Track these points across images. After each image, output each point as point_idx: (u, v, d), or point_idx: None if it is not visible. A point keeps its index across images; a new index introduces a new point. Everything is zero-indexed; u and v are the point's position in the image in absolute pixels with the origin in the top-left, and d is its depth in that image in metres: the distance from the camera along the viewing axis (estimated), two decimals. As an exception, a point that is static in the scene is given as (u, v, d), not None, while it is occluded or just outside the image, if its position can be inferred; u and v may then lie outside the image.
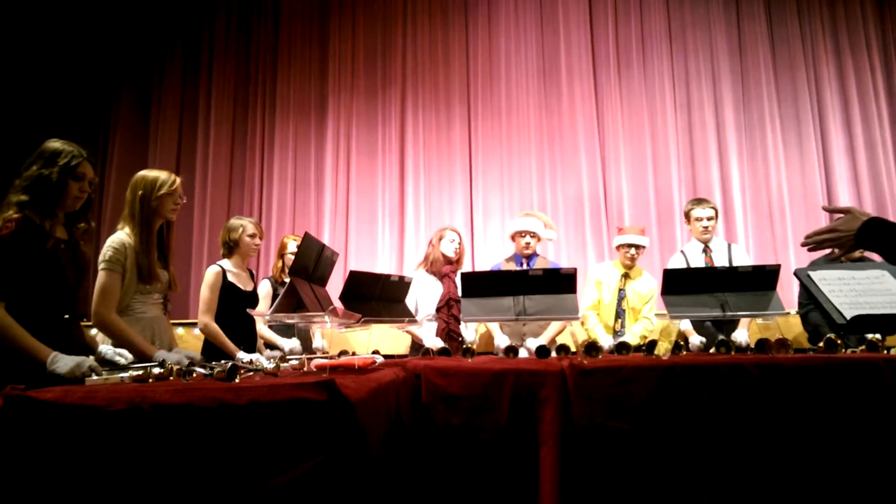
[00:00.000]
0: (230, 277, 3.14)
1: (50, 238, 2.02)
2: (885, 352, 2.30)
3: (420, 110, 5.72)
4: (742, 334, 3.44)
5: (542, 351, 2.36)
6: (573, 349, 2.52)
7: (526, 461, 1.98)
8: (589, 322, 3.79)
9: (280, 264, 3.90)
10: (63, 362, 1.79)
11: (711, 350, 2.47)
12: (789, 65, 5.31)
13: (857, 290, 1.94)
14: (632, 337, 3.65)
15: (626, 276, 3.84)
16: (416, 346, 3.76)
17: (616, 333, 3.75)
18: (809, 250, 1.87)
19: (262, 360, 2.50)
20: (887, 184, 4.97)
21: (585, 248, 5.23)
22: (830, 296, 1.90)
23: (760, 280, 2.49)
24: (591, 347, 2.25)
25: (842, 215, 1.76)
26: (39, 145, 2.10)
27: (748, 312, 2.48)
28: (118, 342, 2.20)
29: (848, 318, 1.79)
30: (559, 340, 3.57)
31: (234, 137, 6.03)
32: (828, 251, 3.81)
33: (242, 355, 2.74)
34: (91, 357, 1.88)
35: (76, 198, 2.11)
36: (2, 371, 1.89)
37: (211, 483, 1.20)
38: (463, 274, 2.65)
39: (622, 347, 2.40)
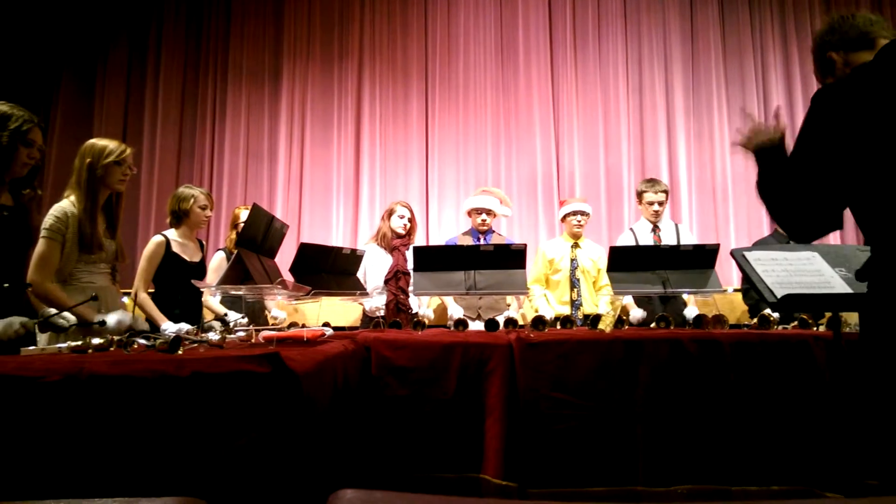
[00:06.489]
0: (175, 248, 3.07)
1: None
2: (815, 328, 2.43)
3: (377, 82, 5.64)
4: (692, 311, 3.57)
5: (491, 324, 2.41)
6: (521, 323, 2.58)
7: (472, 431, 2.03)
8: (533, 293, 3.86)
9: (233, 236, 3.84)
10: None
11: (652, 325, 2.57)
12: (738, 50, 5.45)
13: (788, 271, 2.04)
14: (597, 308, 3.78)
15: (575, 245, 3.92)
16: (368, 318, 3.78)
17: (574, 303, 3.83)
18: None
19: (185, 328, 2.46)
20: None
21: (537, 224, 5.31)
22: (763, 275, 1.99)
23: (700, 258, 2.59)
24: (539, 321, 2.31)
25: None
26: None
27: (688, 289, 2.58)
28: (57, 309, 2.15)
29: (778, 296, 1.88)
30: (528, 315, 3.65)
31: (184, 105, 5.82)
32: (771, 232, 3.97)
33: (168, 325, 2.70)
34: (24, 319, 1.86)
35: (24, 164, 2.08)
36: None
37: (149, 455, 1.20)
38: (415, 248, 2.67)
39: (567, 321, 2.47)
